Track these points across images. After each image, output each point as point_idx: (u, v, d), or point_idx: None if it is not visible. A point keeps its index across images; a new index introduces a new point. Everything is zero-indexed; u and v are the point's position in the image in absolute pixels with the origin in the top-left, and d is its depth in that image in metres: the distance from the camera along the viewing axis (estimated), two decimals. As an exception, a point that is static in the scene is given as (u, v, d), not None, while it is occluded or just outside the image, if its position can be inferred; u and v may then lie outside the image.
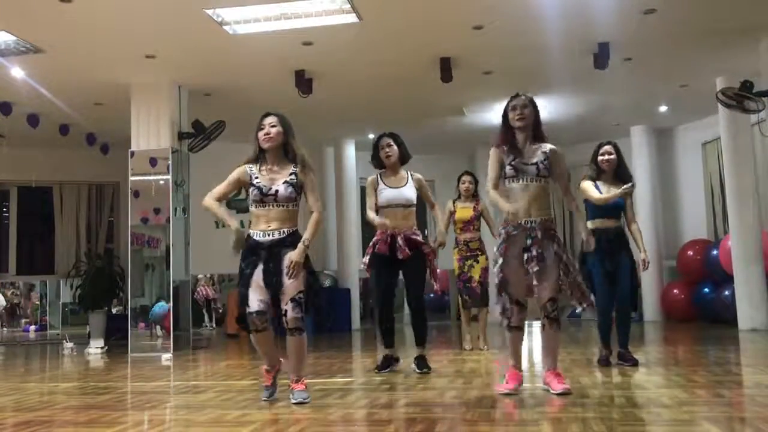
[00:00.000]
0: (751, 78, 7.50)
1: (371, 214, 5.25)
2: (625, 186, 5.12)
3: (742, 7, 6.64)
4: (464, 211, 6.86)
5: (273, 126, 3.99)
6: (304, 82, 8.02)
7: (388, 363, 5.35)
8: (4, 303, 15.74)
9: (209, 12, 6.35)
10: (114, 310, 10.49)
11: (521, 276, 3.99)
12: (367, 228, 13.12)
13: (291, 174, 3.98)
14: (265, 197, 3.93)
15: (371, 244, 5.32)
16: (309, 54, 7.47)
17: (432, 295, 12.36)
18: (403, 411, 3.71)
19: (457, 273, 6.87)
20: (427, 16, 6.62)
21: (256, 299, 3.86)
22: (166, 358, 7.14)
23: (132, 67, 7.80)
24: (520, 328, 4.10)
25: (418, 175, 5.42)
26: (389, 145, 5.34)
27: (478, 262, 6.78)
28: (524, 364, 5.68)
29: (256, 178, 3.98)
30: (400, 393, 4.31)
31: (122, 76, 8.04)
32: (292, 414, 3.59)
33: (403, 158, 5.41)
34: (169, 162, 8.16)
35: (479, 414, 3.50)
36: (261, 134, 3.99)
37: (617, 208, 5.23)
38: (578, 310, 4.16)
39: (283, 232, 3.92)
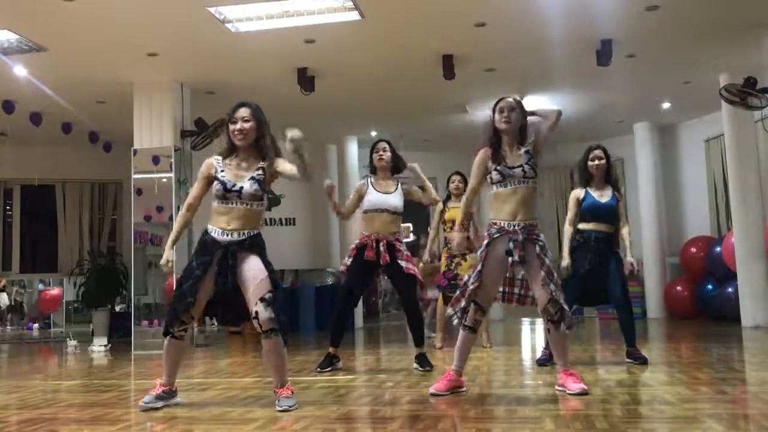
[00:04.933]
0: (755, 74, 7.48)
1: (340, 208, 5.44)
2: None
3: (745, 3, 6.62)
4: (454, 211, 6.79)
5: (246, 121, 3.75)
6: (306, 79, 8.02)
7: (330, 361, 5.36)
8: (6, 302, 15.73)
9: (211, 10, 6.35)
10: (117, 308, 10.50)
11: (496, 281, 3.96)
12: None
13: (258, 169, 3.76)
14: (228, 193, 3.70)
15: (355, 247, 5.35)
16: (311, 52, 7.47)
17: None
18: (407, 408, 3.70)
19: (443, 270, 6.86)
20: (429, 13, 6.61)
21: (192, 308, 3.67)
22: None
23: (134, 65, 7.80)
24: (473, 330, 4.03)
25: (407, 186, 5.50)
26: (384, 150, 5.45)
27: (465, 260, 6.75)
28: (526, 361, 5.70)
29: (222, 171, 3.76)
30: (403, 390, 4.31)
31: (125, 75, 8.05)
32: (296, 411, 3.59)
33: (396, 166, 5.47)
34: (172, 160, 8.17)
35: (482, 411, 3.50)
36: (234, 129, 3.75)
37: (609, 212, 5.23)
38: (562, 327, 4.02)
39: (243, 234, 3.70)
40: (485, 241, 3.99)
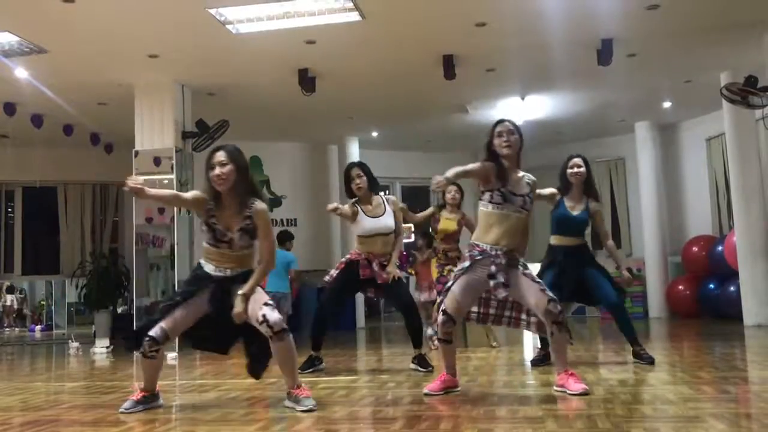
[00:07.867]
0: (756, 73, 7.48)
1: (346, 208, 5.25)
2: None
3: (745, 1, 6.62)
4: (448, 222, 6.68)
5: (224, 165, 3.68)
6: (307, 80, 8.02)
7: (312, 363, 5.36)
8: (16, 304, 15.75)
9: (212, 11, 6.35)
10: (119, 310, 10.51)
11: (470, 299, 3.98)
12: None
13: (246, 219, 3.71)
14: (219, 243, 3.72)
15: (344, 262, 5.33)
16: (312, 53, 7.47)
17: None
18: (408, 408, 3.70)
19: (436, 277, 6.83)
20: (429, 13, 6.61)
21: (161, 326, 3.66)
22: (172, 357, 7.15)
23: (135, 67, 7.81)
24: (448, 341, 4.06)
25: (393, 198, 5.39)
26: (359, 176, 5.31)
27: (456, 265, 6.71)
28: (527, 361, 5.69)
29: (213, 217, 3.73)
30: (405, 391, 4.31)
31: (126, 76, 8.06)
32: (298, 412, 3.59)
33: (372, 186, 5.36)
34: (173, 161, 8.17)
35: (484, 411, 3.50)
36: (212, 175, 3.69)
37: (578, 226, 5.17)
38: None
39: (237, 270, 3.75)
40: (466, 263, 3.98)
